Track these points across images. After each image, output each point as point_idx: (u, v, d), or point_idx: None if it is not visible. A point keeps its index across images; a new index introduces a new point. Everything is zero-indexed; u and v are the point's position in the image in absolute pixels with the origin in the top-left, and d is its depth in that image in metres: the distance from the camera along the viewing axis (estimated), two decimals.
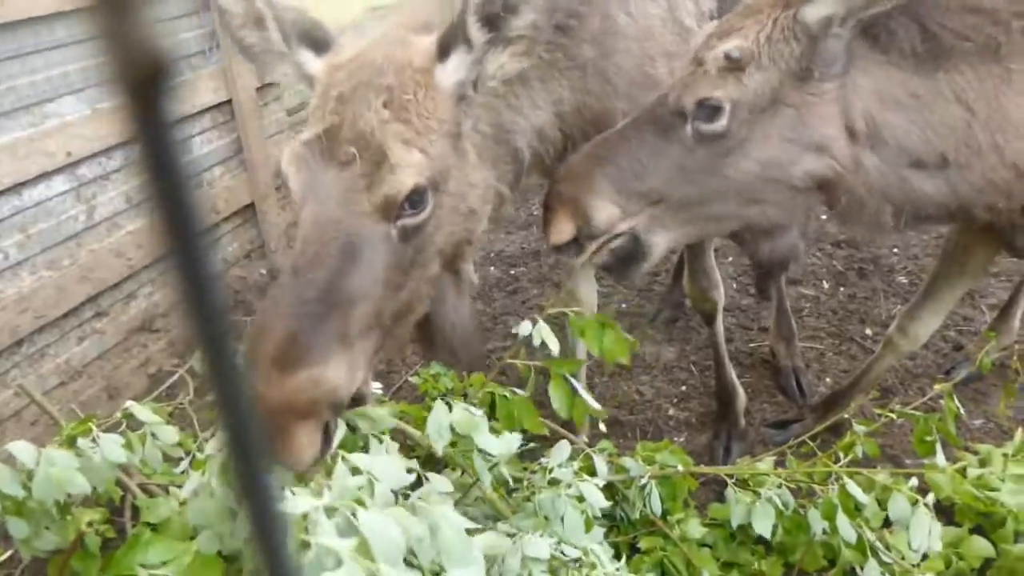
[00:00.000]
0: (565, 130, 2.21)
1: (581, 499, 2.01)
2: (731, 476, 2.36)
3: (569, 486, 2.00)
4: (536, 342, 2.05)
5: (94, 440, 1.97)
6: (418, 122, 1.68)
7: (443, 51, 1.75)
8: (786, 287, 3.71)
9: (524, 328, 2.09)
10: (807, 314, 4.03)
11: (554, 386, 2.10)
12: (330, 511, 1.35)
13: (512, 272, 4.54)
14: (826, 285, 4.23)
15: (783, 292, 3.66)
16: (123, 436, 2.05)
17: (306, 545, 1.26)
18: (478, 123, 1.90)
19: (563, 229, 1.93)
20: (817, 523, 2.17)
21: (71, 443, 1.99)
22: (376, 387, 1.97)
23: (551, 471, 2.05)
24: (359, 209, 1.59)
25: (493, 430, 2.00)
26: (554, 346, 2.05)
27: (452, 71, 1.75)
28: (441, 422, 1.82)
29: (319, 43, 1.90)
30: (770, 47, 1.82)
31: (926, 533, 2.05)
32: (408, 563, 1.40)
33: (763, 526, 2.18)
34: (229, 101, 4.35)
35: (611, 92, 2.23)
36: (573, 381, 2.13)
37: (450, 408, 1.86)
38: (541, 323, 2.07)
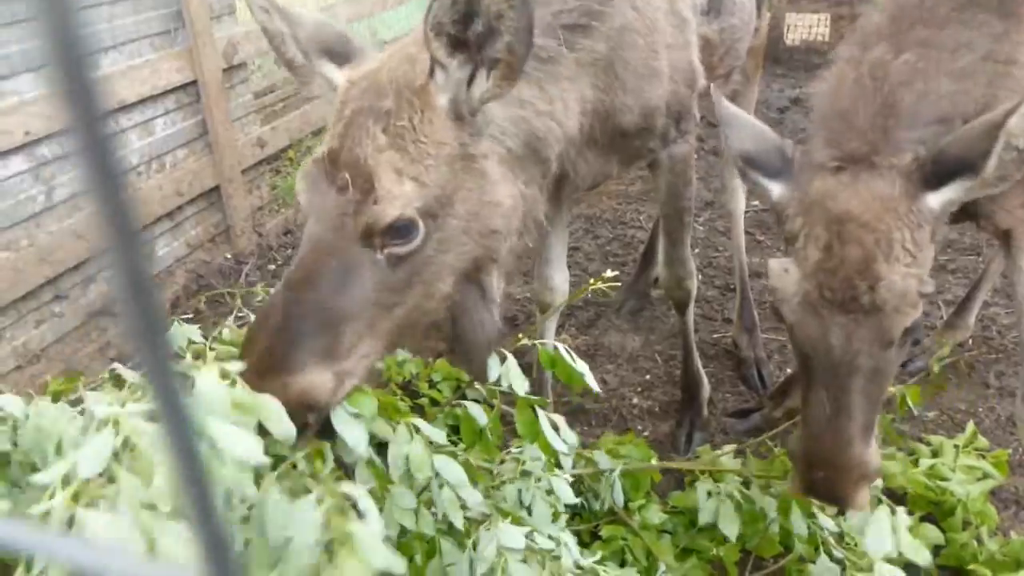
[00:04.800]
0: (584, 129, 2.18)
1: (550, 492, 2.02)
2: (691, 471, 2.39)
3: (539, 480, 2.00)
4: (504, 384, 1.93)
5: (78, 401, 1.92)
6: (414, 149, 1.66)
7: (431, 68, 1.70)
8: (750, 279, 3.76)
9: (492, 367, 1.95)
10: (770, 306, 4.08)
11: (520, 417, 2.00)
12: None
13: None
14: None
15: (747, 284, 3.71)
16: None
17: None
18: (504, 140, 1.85)
19: None
20: (773, 511, 2.22)
21: (56, 399, 1.95)
22: None
23: (523, 463, 2.05)
24: (348, 234, 1.62)
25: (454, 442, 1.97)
26: (521, 387, 1.93)
27: (439, 89, 1.71)
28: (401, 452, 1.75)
29: (339, 55, 1.92)
30: (920, 248, 1.79)
31: (887, 533, 1.98)
32: None
33: (730, 528, 2.22)
34: (194, 82, 4.27)
35: (619, 87, 2.22)
36: (572, 359, 2.06)
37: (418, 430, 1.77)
38: (510, 360, 1.93)
